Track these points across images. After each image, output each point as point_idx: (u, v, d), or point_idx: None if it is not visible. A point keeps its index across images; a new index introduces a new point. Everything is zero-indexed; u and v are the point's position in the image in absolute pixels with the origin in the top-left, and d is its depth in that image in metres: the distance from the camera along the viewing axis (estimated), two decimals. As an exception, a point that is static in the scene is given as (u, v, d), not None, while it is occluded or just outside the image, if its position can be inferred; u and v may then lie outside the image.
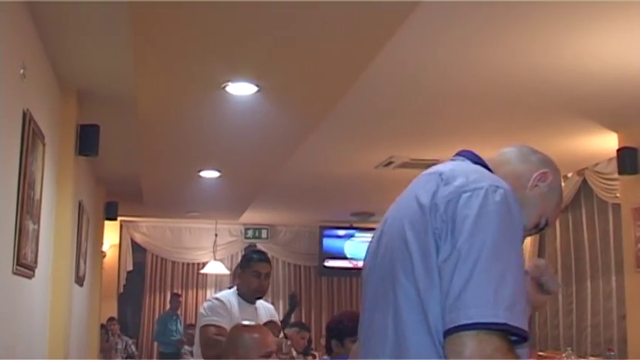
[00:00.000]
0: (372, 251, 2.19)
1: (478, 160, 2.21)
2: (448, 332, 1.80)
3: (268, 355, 3.82)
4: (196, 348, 5.33)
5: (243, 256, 5.64)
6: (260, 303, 5.49)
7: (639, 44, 5.11)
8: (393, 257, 2.01)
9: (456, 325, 1.78)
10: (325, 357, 5.34)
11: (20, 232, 4.52)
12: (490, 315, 1.77)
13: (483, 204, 1.88)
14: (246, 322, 4.35)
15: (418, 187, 2.05)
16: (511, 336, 1.79)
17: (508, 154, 2.31)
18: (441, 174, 2.01)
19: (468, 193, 1.91)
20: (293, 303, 9.92)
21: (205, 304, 5.28)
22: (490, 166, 2.20)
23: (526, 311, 1.87)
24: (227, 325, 4.99)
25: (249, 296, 5.35)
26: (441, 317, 1.85)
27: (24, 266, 4.71)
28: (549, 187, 2.26)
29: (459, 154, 2.27)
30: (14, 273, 4.54)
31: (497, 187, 1.93)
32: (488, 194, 1.91)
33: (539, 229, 2.30)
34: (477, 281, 1.80)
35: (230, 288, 5.64)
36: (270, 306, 5.67)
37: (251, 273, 5.33)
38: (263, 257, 5.54)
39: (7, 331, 4.56)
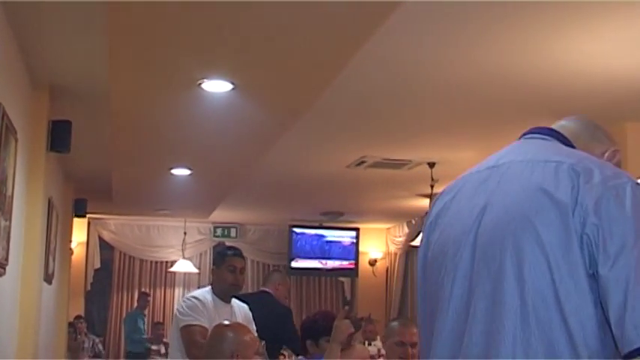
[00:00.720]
0: (462, 244, 1.95)
1: (566, 141, 2.08)
2: (630, 355, 1.65)
3: (257, 352, 3.83)
4: (174, 347, 5.28)
5: (217, 253, 5.61)
6: (234, 302, 5.46)
7: (622, 44, 5.11)
8: (519, 257, 1.80)
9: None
10: (300, 357, 5.31)
11: (-8, 228, 4.46)
12: None
13: (635, 204, 1.75)
14: (227, 322, 4.34)
15: (541, 177, 1.85)
16: None
17: (573, 129, 2.16)
18: (571, 165, 1.85)
19: (614, 192, 1.77)
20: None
21: (184, 304, 5.24)
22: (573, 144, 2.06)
23: None
24: (207, 325, 4.96)
25: (225, 293, 5.33)
26: (589, 327, 1.71)
27: (-5, 263, 4.65)
28: (617, 164, 2.09)
29: (539, 131, 2.11)
30: (-15, 270, 4.49)
31: (635, 181, 1.81)
32: (635, 191, 1.78)
33: None
34: None
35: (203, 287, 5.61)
36: (244, 305, 5.63)
37: (226, 268, 5.31)
38: (237, 252, 5.53)
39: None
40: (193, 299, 5.23)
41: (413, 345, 4.70)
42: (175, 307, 14.19)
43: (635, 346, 1.63)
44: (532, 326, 1.75)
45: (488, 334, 1.82)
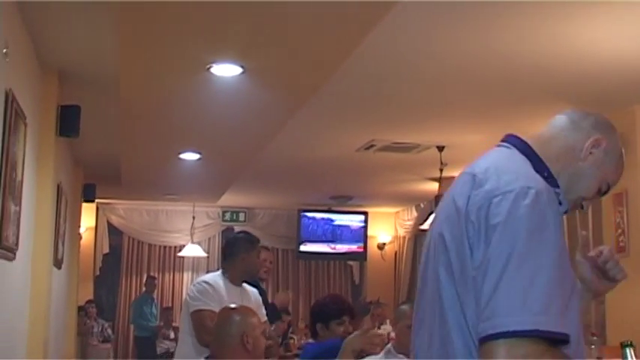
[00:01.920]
0: (426, 246, 2.17)
1: (525, 148, 2.17)
2: (481, 341, 1.82)
3: (263, 333, 3.85)
4: (184, 331, 5.28)
5: (244, 240, 5.56)
6: (244, 285, 5.47)
7: (632, 28, 5.09)
8: (436, 257, 2.03)
9: (486, 334, 1.80)
10: (310, 340, 5.31)
11: (2, 213, 4.46)
12: (518, 323, 1.77)
13: (512, 208, 1.87)
14: (233, 305, 4.32)
15: (456, 187, 2.05)
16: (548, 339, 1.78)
17: (558, 125, 2.25)
18: (474, 175, 2.00)
19: (499, 197, 1.90)
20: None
21: (194, 288, 5.23)
22: (537, 149, 2.17)
23: (573, 305, 1.88)
24: (217, 310, 4.95)
25: (244, 277, 5.34)
26: (475, 324, 1.86)
27: (5, 248, 4.66)
28: (605, 152, 2.19)
29: (506, 140, 2.22)
30: (-4, 255, 4.49)
31: (529, 187, 1.91)
32: (519, 197, 1.88)
33: (602, 193, 2.26)
34: (504, 289, 1.81)
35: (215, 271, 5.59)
36: (254, 289, 5.63)
37: (257, 254, 5.36)
38: (266, 247, 5.64)
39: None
40: (204, 284, 5.23)
41: None
42: (185, 291, 14.28)
43: (481, 336, 1.81)
44: (447, 321, 1.98)
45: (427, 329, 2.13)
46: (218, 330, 3.98)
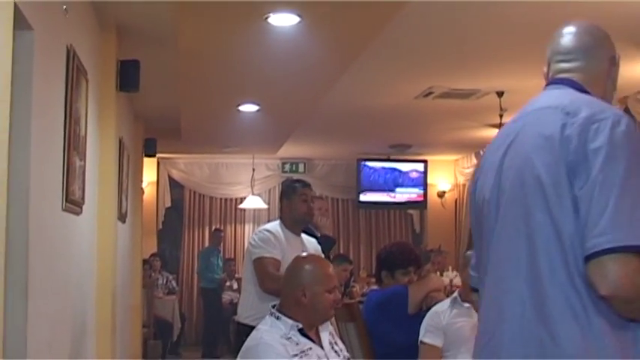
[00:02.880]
0: (489, 187, 2.29)
1: (579, 87, 2.33)
2: (590, 257, 1.97)
3: (333, 289, 3.78)
4: (247, 280, 5.33)
5: (287, 187, 5.63)
6: (304, 235, 5.51)
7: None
8: (524, 191, 2.13)
9: (597, 250, 1.95)
10: (375, 287, 5.34)
11: (68, 168, 4.51)
12: (628, 238, 1.93)
13: (612, 134, 2.03)
14: (305, 254, 4.33)
15: (539, 123, 2.18)
16: None
17: (582, 57, 2.43)
18: (563, 108, 2.14)
19: (596, 124, 2.05)
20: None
21: (256, 237, 5.28)
22: (583, 84, 2.36)
23: None
24: (279, 257, 4.99)
25: (297, 224, 5.37)
26: (576, 245, 2.00)
27: (73, 202, 4.72)
28: (618, 64, 2.48)
29: (556, 82, 2.41)
30: (64, 210, 4.55)
31: (621, 115, 2.08)
32: (615, 124, 2.05)
33: None
34: (614, 208, 1.96)
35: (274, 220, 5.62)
36: (313, 239, 5.67)
37: (299, 198, 5.37)
38: (307, 184, 5.59)
39: (61, 267, 4.59)
40: (266, 232, 5.27)
41: None
42: (247, 243, 14.39)
43: (590, 252, 1.97)
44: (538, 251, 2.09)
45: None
46: (285, 278, 3.98)
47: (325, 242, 6.08)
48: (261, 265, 5.07)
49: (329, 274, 3.85)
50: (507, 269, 2.19)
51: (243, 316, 5.21)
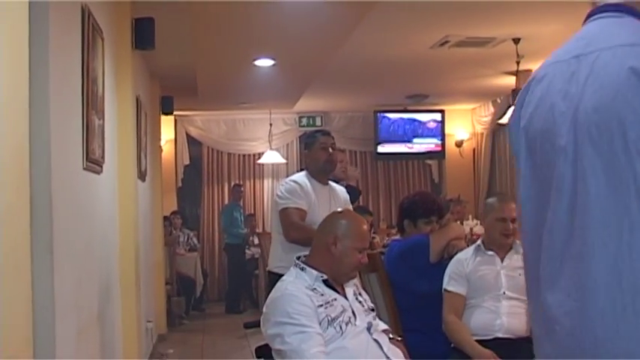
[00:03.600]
0: (563, 133, 2.01)
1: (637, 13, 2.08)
2: None
3: (363, 250, 3.79)
4: (275, 231, 5.37)
5: (307, 137, 5.65)
6: (331, 184, 5.53)
7: None
8: (620, 128, 1.87)
9: None
10: (396, 237, 5.36)
11: (87, 127, 4.54)
12: None
13: None
14: (340, 210, 4.34)
15: (628, 59, 1.91)
16: None
17: None
18: (632, 45, 1.92)
19: None
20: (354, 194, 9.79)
21: (282, 187, 5.31)
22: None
23: None
24: (306, 208, 5.01)
25: (321, 173, 5.38)
26: None
27: (93, 162, 4.75)
28: None
29: (608, 9, 2.10)
30: (85, 169, 4.59)
31: None
32: None
33: None
34: None
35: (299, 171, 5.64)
36: (342, 188, 5.70)
37: (319, 147, 5.38)
38: (326, 132, 5.60)
39: (85, 226, 4.63)
40: (292, 182, 5.30)
41: (512, 220, 4.70)
42: (266, 198, 14.47)
43: None
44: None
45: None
46: (318, 228, 3.99)
47: (351, 193, 6.12)
48: (286, 216, 5.10)
49: (363, 234, 3.85)
50: (599, 229, 1.90)
51: (273, 265, 5.27)
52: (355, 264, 3.79)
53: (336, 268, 3.75)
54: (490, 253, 4.79)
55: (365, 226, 3.90)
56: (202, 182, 14.90)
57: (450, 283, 4.76)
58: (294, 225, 5.02)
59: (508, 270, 4.73)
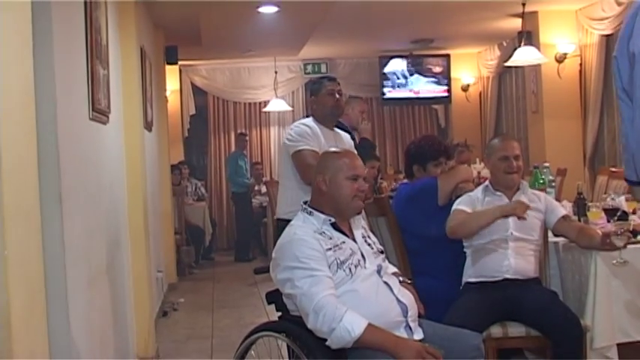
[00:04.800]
0: None
1: None
2: None
3: (355, 178, 3.77)
4: (286, 176, 5.34)
5: (313, 83, 5.62)
6: (337, 130, 5.52)
7: None
8: None
9: None
10: (405, 180, 5.36)
11: (92, 77, 4.53)
12: None
13: None
14: (334, 149, 4.33)
15: None
16: None
17: None
18: None
19: None
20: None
21: (292, 131, 5.27)
22: None
23: None
24: (318, 150, 5.00)
25: (327, 119, 5.37)
26: None
27: (99, 112, 4.76)
28: None
29: None
30: (91, 119, 4.59)
31: None
32: None
33: None
34: None
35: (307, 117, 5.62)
36: (347, 134, 5.69)
37: (326, 93, 5.36)
38: (332, 77, 5.57)
39: (92, 176, 4.64)
40: (302, 125, 5.28)
41: (516, 157, 4.71)
42: (273, 146, 14.47)
43: None
44: None
45: None
46: (316, 170, 3.99)
47: (365, 146, 6.12)
48: (301, 157, 5.06)
49: (349, 163, 3.82)
50: None
51: (282, 212, 5.25)
52: (352, 193, 3.76)
53: (336, 205, 3.75)
54: (498, 193, 4.80)
55: (350, 155, 3.90)
56: (208, 132, 14.89)
57: (461, 204, 4.74)
58: (311, 166, 4.99)
59: (516, 210, 4.75)
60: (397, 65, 14.13)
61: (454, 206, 4.78)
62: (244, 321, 7.97)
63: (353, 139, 5.85)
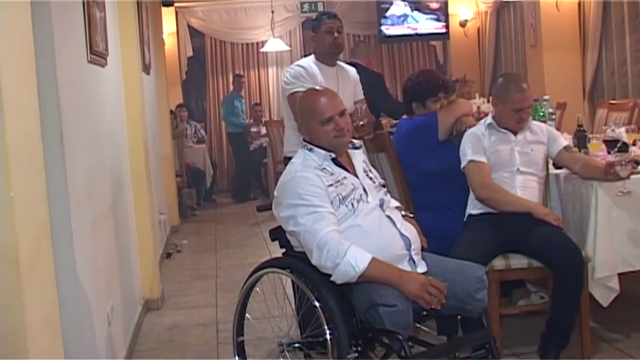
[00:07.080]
0: None
1: None
2: None
3: (329, 120, 3.70)
4: (286, 117, 5.37)
5: (314, 20, 5.60)
6: (340, 64, 5.51)
7: None
8: None
9: None
10: (405, 117, 5.35)
11: (89, 20, 4.51)
12: None
13: None
14: (318, 87, 4.27)
15: None
16: None
17: None
18: None
19: None
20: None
21: (287, 73, 5.29)
22: None
23: None
24: None
25: (327, 56, 5.36)
26: None
27: (96, 54, 4.74)
28: None
29: None
30: (89, 62, 4.58)
31: None
32: None
33: None
34: None
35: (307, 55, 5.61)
36: (352, 68, 5.68)
37: (325, 30, 5.36)
38: (332, 14, 5.55)
39: (92, 118, 4.65)
40: (297, 67, 5.28)
41: (528, 107, 4.75)
42: (271, 86, 14.44)
43: None
44: None
45: None
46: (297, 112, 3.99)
47: (372, 77, 6.13)
48: (294, 100, 5.08)
49: (319, 107, 3.75)
50: None
51: (287, 150, 5.29)
52: (330, 136, 3.71)
53: (326, 145, 3.74)
54: (504, 131, 4.79)
55: (319, 97, 3.79)
56: (207, 74, 14.85)
57: (475, 154, 4.72)
58: None
59: (522, 146, 4.75)
60: (397, 10, 14.05)
61: (467, 154, 4.74)
62: (247, 261, 8.03)
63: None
